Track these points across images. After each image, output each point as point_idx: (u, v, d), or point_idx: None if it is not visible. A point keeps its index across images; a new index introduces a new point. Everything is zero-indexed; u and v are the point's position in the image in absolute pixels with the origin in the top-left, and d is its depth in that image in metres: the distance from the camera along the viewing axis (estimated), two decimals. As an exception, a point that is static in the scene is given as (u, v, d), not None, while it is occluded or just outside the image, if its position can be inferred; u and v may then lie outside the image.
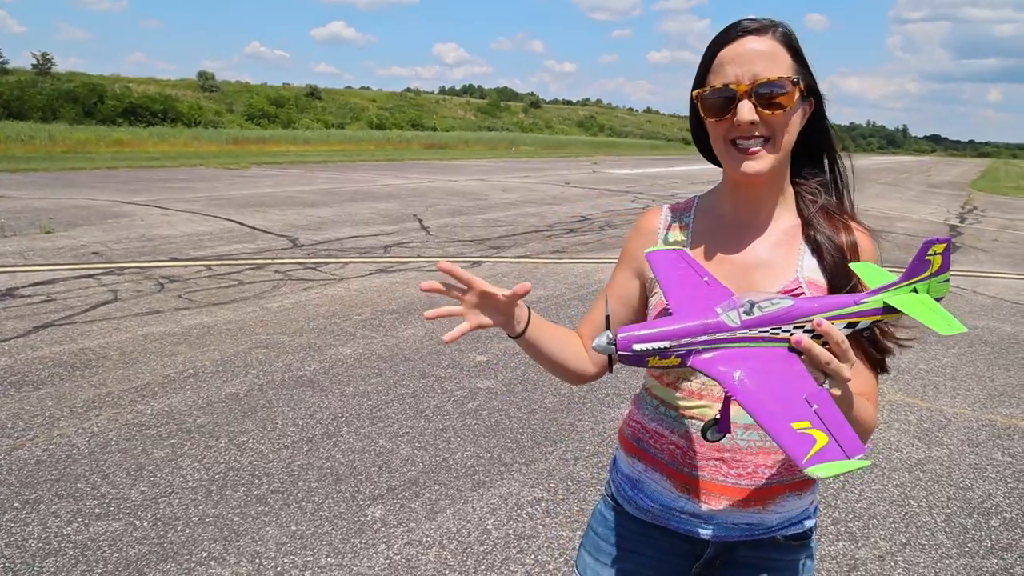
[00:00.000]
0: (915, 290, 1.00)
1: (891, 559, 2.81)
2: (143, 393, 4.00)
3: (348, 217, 11.00)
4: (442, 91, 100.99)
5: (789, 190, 1.23)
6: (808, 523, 1.24)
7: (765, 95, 1.09)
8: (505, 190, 16.49)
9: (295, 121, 46.59)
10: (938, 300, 1.01)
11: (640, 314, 1.29)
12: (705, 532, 1.19)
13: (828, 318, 0.96)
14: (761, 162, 1.12)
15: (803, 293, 1.14)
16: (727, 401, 1.06)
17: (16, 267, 6.79)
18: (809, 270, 1.17)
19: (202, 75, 51.15)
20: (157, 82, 48.31)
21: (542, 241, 9.62)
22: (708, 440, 1.11)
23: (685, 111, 1.26)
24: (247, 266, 7.30)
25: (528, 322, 1.18)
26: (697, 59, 1.18)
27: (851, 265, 1.15)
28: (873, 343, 1.15)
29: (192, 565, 2.50)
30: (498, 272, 7.51)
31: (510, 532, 2.81)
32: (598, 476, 3.29)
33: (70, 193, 12.38)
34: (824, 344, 0.94)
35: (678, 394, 1.20)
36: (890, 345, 1.17)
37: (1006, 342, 5.86)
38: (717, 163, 1.21)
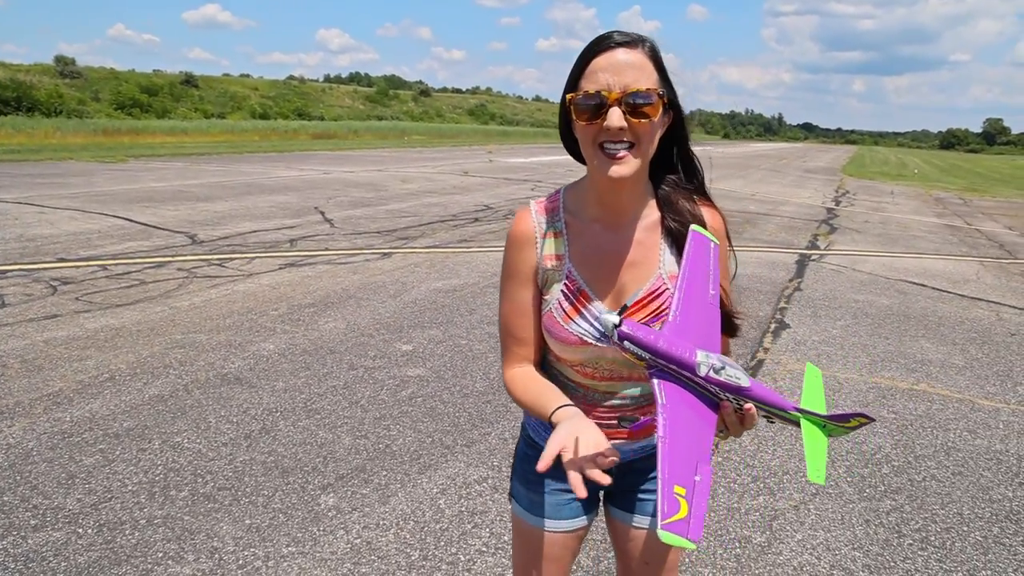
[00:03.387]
0: (824, 426, 1.22)
1: (804, 508, 3.14)
2: (57, 400, 3.77)
3: (246, 211, 10.60)
4: (327, 79, 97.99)
5: (649, 188, 1.35)
6: None
7: (633, 104, 1.18)
8: (404, 180, 16.37)
9: (171, 111, 43.92)
10: (831, 437, 1.23)
11: (539, 310, 1.38)
12: None
13: (758, 406, 1.17)
14: (626, 167, 1.22)
15: (667, 289, 1.32)
16: (652, 419, 1.22)
17: None
18: (670, 264, 1.33)
19: (60, 60, 47.10)
20: (7, 66, 43.99)
21: (448, 231, 9.68)
22: (621, 426, 1.36)
23: None
24: (146, 264, 6.93)
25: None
26: (583, 46, 1.26)
27: (808, 366, 1.33)
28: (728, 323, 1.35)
29: (149, 566, 2.45)
30: (410, 263, 7.53)
31: (463, 509, 2.92)
32: (539, 452, 3.45)
33: (-77, 190, 11.19)
34: (739, 413, 1.17)
35: (576, 373, 1.39)
36: (737, 322, 1.38)
37: (883, 314, 6.54)
38: (583, 161, 1.31)
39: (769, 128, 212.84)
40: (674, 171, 1.37)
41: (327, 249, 8.09)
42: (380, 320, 5.45)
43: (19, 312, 5.24)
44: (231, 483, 3.02)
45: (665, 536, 0.98)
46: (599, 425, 1.28)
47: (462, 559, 2.60)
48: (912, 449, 3.79)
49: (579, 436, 1.17)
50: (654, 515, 1.42)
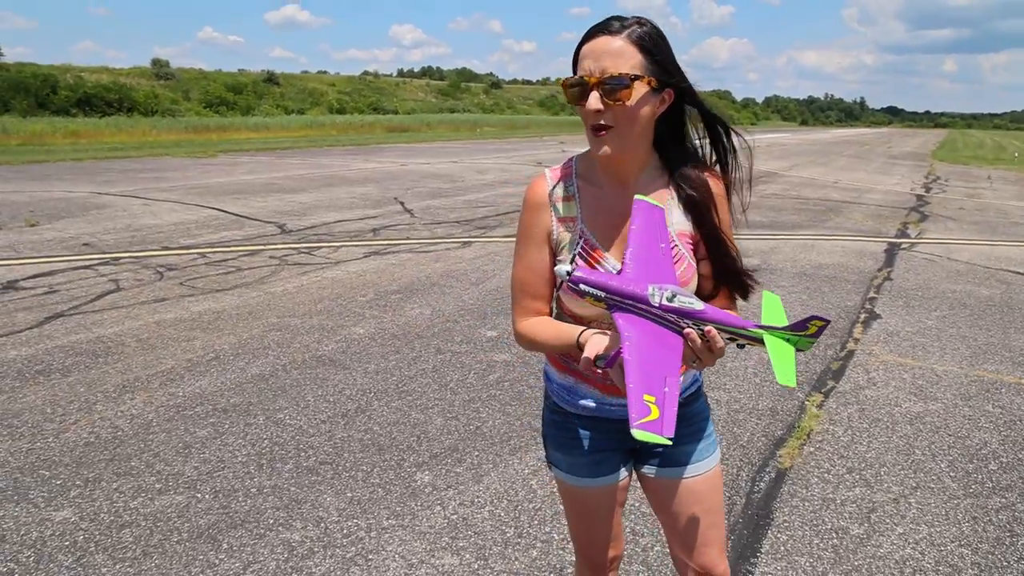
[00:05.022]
0: (788, 339, 1.30)
1: (904, 501, 3.04)
2: (170, 377, 4.04)
3: (330, 202, 10.97)
4: (400, 74, 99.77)
5: (654, 158, 1.45)
6: (697, 383, 1.61)
7: (608, 88, 1.28)
8: (480, 171, 16.55)
9: (254, 107, 45.70)
10: (799, 351, 1.31)
11: (552, 274, 1.47)
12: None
13: (720, 329, 1.26)
14: (607, 145, 1.33)
15: (676, 246, 1.42)
16: (619, 350, 1.31)
17: (11, 260, 6.69)
18: (678, 224, 1.43)
19: (156, 63, 49.73)
20: (110, 71, 46.81)
21: (526, 221, 9.74)
22: (596, 366, 1.39)
23: None
24: (241, 252, 7.29)
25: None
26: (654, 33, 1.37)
27: (764, 293, 1.43)
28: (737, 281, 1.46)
29: (262, 531, 2.61)
30: (490, 251, 7.64)
31: (554, 490, 2.96)
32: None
33: (42, 186, 12.10)
34: (705, 341, 1.26)
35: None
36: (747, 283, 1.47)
37: (983, 304, 6.20)
38: None
39: (850, 113, 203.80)
40: (676, 144, 1.47)
41: (408, 238, 8.29)
42: (464, 307, 5.56)
43: (132, 296, 5.62)
44: (331, 458, 3.17)
45: (639, 434, 1.11)
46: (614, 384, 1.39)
47: (556, 537, 2.65)
48: (1021, 446, 3.60)
49: (610, 338, 1.30)
50: (689, 463, 1.56)
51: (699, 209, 1.43)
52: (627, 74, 1.28)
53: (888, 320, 5.64)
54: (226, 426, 3.45)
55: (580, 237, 1.43)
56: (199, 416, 3.55)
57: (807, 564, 2.57)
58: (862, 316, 5.71)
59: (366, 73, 74.02)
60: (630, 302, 1.26)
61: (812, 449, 3.47)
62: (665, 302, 1.26)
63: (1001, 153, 34.73)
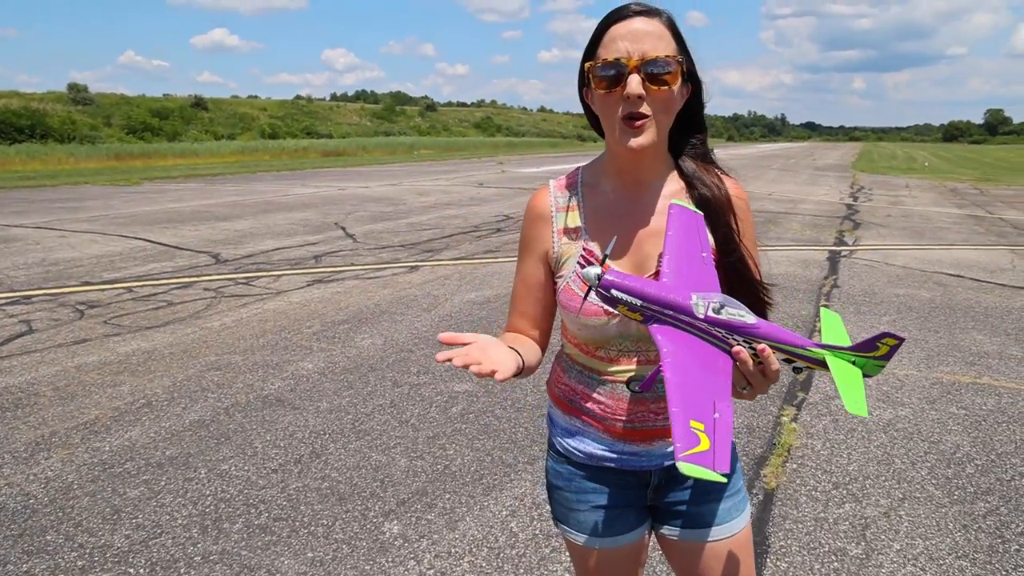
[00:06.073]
0: (854, 361, 1.12)
1: (895, 514, 2.94)
2: (94, 429, 3.63)
3: (267, 229, 10.50)
4: (334, 98, 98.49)
5: (669, 160, 1.32)
6: None
7: (652, 72, 1.16)
8: (421, 193, 16.27)
9: (181, 133, 44.12)
10: (867, 376, 1.13)
11: (549, 294, 1.36)
12: (646, 465, 1.34)
13: (774, 348, 1.09)
14: (646, 136, 1.19)
15: (706, 255, 1.26)
16: (659, 369, 1.14)
17: (-97, 304, 6.03)
18: None
19: (73, 87, 47.46)
20: (20, 95, 44.39)
21: (472, 242, 9.53)
22: (630, 390, 1.27)
23: (577, 108, 1.33)
24: (172, 285, 6.82)
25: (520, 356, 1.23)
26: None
27: (823, 311, 1.31)
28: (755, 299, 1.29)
29: (212, 608, 2.28)
30: (439, 275, 7.38)
31: (537, 532, 2.73)
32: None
33: (-57, 221, 11.17)
34: (758, 363, 1.08)
35: (599, 361, 1.31)
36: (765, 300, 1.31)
37: (927, 307, 6.31)
38: (603, 133, 1.28)
39: (773, 129, 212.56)
40: (690, 142, 1.34)
41: (353, 264, 7.96)
42: (418, 334, 5.28)
43: (47, 338, 5.12)
44: (287, 513, 2.85)
45: (686, 468, 0.92)
46: (633, 423, 1.29)
47: (543, 587, 2.42)
48: (992, 446, 3.58)
49: (489, 344, 1.12)
50: (715, 524, 1.35)
51: (714, 210, 1.29)
52: (673, 56, 1.18)
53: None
54: (162, 483, 3.08)
55: (583, 249, 1.30)
56: (129, 473, 3.17)
57: (813, 596, 2.42)
58: (818, 325, 5.71)
59: (299, 97, 72.73)
60: (670, 312, 1.10)
61: (795, 466, 3.35)
62: (711, 314, 1.09)
63: (912, 163, 36.65)
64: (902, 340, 1.09)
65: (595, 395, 1.32)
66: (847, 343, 1.16)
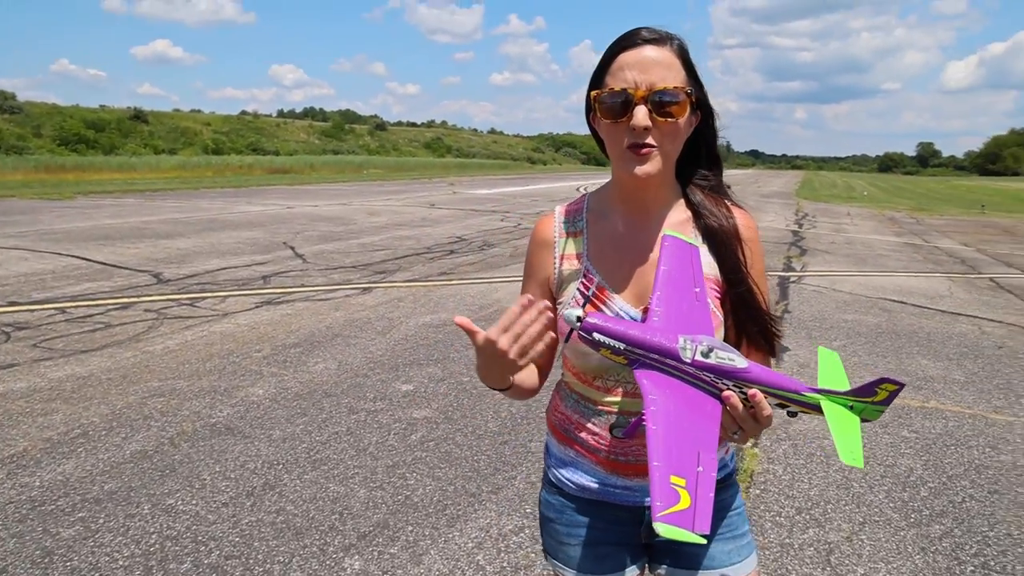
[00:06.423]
0: (852, 406, 1.10)
1: (857, 539, 2.96)
2: (22, 463, 3.37)
3: (211, 248, 10.16)
4: (281, 114, 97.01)
5: (677, 188, 1.30)
6: (727, 468, 1.37)
7: (659, 102, 1.14)
8: (371, 213, 16.06)
9: (119, 146, 42.58)
10: (866, 421, 1.11)
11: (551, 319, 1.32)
12: (639, 500, 1.29)
13: (767, 393, 1.05)
14: (651, 165, 1.17)
15: (699, 290, 1.22)
16: (641, 417, 1.10)
17: None
18: (705, 266, 1.25)
19: (-1, 94, 45.39)
20: (-60, 103, 42.23)
21: (425, 264, 9.41)
22: (614, 436, 1.23)
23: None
24: (110, 306, 6.48)
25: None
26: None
27: (819, 350, 1.26)
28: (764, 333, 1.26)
29: (158, 659, 2.10)
30: (393, 297, 7.24)
31: (505, 565, 2.64)
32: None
33: None
34: (749, 407, 1.05)
35: (595, 391, 1.27)
36: (775, 332, 1.28)
37: (874, 332, 6.50)
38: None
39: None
40: (698, 171, 1.33)
41: (303, 285, 7.74)
42: (373, 359, 5.14)
43: (-26, 364, 4.78)
44: (239, 550, 2.68)
45: (664, 529, 0.88)
46: (627, 457, 1.25)
47: (514, 625, 2.33)
48: (943, 469, 3.66)
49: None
50: (710, 568, 1.29)
51: (721, 241, 1.26)
52: (681, 87, 1.16)
53: (797, 352, 5.75)
54: (100, 521, 2.87)
55: (583, 276, 1.26)
56: (63, 511, 2.94)
57: (786, 627, 2.39)
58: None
59: (244, 113, 71.30)
60: (655, 356, 1.05)
61: (758, 491, 3.35)
62: (699, 358, 1.05)
63: (851, 192, 38.21)
64: (902, 386, 1.07)
65: (589, 425, 1.29)
66: (845, 385, 1.13)
